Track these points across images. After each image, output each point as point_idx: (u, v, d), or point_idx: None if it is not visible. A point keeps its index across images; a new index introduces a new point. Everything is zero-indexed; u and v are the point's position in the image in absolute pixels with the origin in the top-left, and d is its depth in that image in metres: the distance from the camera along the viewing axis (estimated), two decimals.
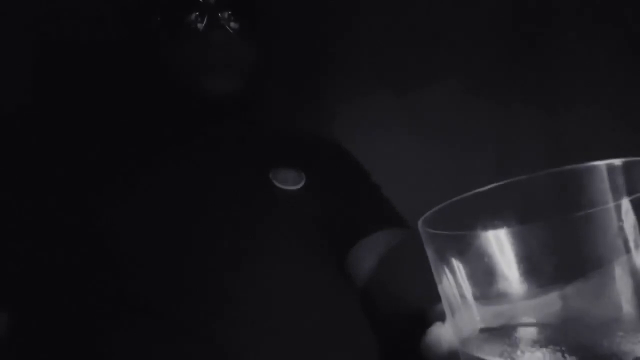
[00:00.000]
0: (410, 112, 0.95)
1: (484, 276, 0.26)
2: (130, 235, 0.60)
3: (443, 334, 0.31)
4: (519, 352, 0.26)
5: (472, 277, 0.27)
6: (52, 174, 0.64)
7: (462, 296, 0.27)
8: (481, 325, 0.27)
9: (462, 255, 0.27)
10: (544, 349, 0.25)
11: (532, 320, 0.26)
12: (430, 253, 0.29)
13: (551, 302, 0.26)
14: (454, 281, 0.28)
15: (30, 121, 0.70)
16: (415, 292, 0.51)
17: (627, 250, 0.24)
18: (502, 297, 0.26)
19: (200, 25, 0.67)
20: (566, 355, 0.25)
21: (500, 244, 0.25)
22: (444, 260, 0.28)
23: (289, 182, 0.69)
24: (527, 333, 0.26)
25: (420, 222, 0.29)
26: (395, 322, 0.63)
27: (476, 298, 0.27)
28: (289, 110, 0.95)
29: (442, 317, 0.31)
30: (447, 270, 0.28)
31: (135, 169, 0.66)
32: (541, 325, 0.26)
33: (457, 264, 0.27)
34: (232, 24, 0.68)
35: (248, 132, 0.77)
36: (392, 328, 0.64)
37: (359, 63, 0.96)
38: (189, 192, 0.65)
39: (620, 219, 0.24)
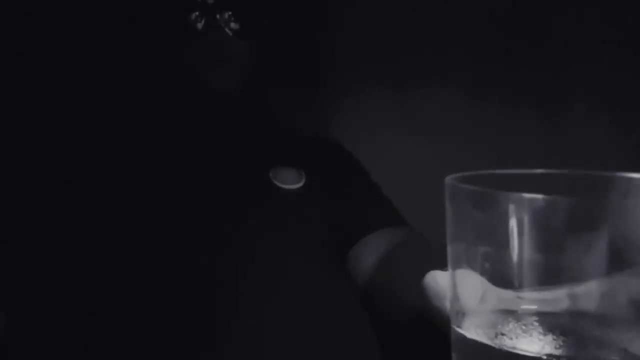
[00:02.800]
0: (410, 112, 0.95)
1: (501, 243, 0.25)
2: (130, 236, 0.60)
3: (441, 278, 0.31)
4: (512, 338, 0.26)
5: (489, 241, 0.26)
6: (52, 170, 0.64)
7: (471, 261, 0.27)
8: (480, 304, 0.27)
9: (485, 216, 0.26)
10: (539, 337, 0.25)
11: (533, 310, 0.26)
12: (451, 210, 0.28)
13: (559, 298, 0.25)
14: (468, 243, 0.26)
15: (31, 123, 0.70)
16: (415, 292, 0.50)
17: None
18: (510, 273, 0.25)
19: (199, 26, 0.67)
20: (562, 345, 0.25)
21: (528, 210, 0.24)
22: (464, 219, 0.27)
23: (289, 181, 0.69)
24: (526, 321, 0.26)
25: (448, 178, 0.28)
26: (395, 322, 0.63)
27: (487, 260, 0.26)
28: (289, 110, 0.95)
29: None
30: (464, 230, 0.27)
31: (133, 170, 0.66)
32: (542, 316, 0.26)
33: (478, 224, 0.26)
34: (232, 25, 0.68)
35: (248, 132, 0.77)
36: (392, 327, 0.64)
37: (359, 63, 0.96)
38: (188, 191, 0.65)
39: None
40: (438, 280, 0.31)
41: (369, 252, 0.68)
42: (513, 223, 0.25)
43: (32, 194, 0.63)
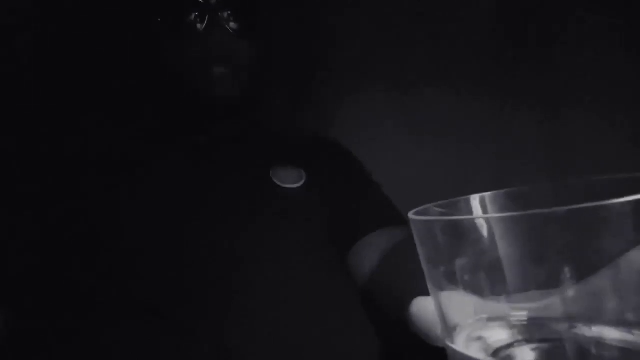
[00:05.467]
0: (410, 112, 0.95)
1: (479, 270, 0.25)
2: (131, 235, 0.60)
3: (426, 305, 0.30)
4: (506, 349, 0.25)
5: (463, 256, 0.26)
6: (53, 172, 0.64)
7: (452, 279, 0.26)
8: (472, 318, 0.26)
9: (456, 244, 0.26)
10: (532, 345, 0.25)
11: (524, 316, 0.26)
12: (421, 243, 0.27)
13: (551, 306, 0.25)
14: (444, 263, 0.26)
15: (31, 120, 0.70)
16: (415, 291, 0.51)
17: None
18: (496, 293, 0.25)
19: (200, 26, 0.67)
20: (556, 352, 0.24)
21: (498, 231, 0.24)
22: (434, 243, 0.27)
23: (290, 180, 0.69)
24: (518, 329, 0.26)
25: (411, 213, 0.28)
26: (396, 321, 0.63)
27: (466, 273, 0.26)
28: (289, 110, 0.95)
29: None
30: (436, 251, 0.27)
31: (136, 169, 0.66)
32: (534, 322, 0.26)
33: (448, 245, 0.26)
34: (232, 24, 0.68)
35: (248, 132, 0.77)
36: (392, 327, 0.64)
37: (358, 63, 0.96)
38: (190, 191, 0.65)
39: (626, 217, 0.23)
40: (424, 307, 0.31)
41: (369, 252, 0.68)
42: (484, 248, 0.25)
43: (31, 192, 0.63)
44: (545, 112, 0.94)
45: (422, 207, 0.28)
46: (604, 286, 0.23)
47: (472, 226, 0.25)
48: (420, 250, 0.28)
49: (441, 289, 0.27)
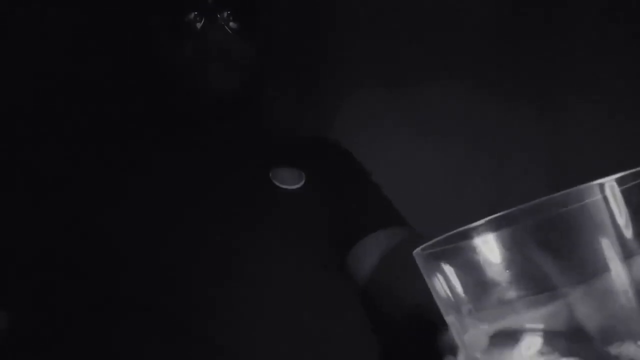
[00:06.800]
0: (411, 112, 0.95)
1: (483, 286, 0.25)
2: (129, 233, 0.60)
3: None
4: None
5: (471, 288, 0.26)
6: (50, 172, 0.64)
7: (466, 313, 0.26)
8: (490, 334, 0.26)
9: (457, 266, 0.26)
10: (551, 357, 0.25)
11: (540, 328, 0.26)
12: (428, 277, 0.28)
13: (558, 310, 0.25)
14: (455, 299, 0.27)
15: (28, 120, 0.70)
16: (415, 292, 0.50)
17: (624, 246, 0.23)
18: (505, 306, 0.25)
19: (199, 25, 0.67)
20: None
21: (492, 248, 0.25)
22: (447, 280, 0.27)
23: (289, 181, 0.69)
24: (535, 342, 0.26)
25: (415, 252, 0.28)
26: (395, 322, 0.63)
27: (480, 309, 0.26)
28: (289, 110, 0.95)
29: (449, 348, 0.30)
30: (452, 291, 0.27)
31: (133, 168, 0.66)
32: (548, 333, 0.25)
33: (453, 275, 0.26)
34: (231, 24, 0.68)
35: (248, 132, 0.77)
36: (392, 328, 0.64)
37: (358, 62, 0.96)
38: (188, 191, 0.65)
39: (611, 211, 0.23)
40: None
41: (369, 252, 0.68)
42: (482, 266, 0.25)
43: (28, 192, 0.63)
44: (545, 112, 0.94)
45: (427, 243, 0.28)
46: (602, 290, 0.23)
47: (465, 242, 0.25)
48: (431, 288, 0.28)
49: (465, 330, 0.27)
